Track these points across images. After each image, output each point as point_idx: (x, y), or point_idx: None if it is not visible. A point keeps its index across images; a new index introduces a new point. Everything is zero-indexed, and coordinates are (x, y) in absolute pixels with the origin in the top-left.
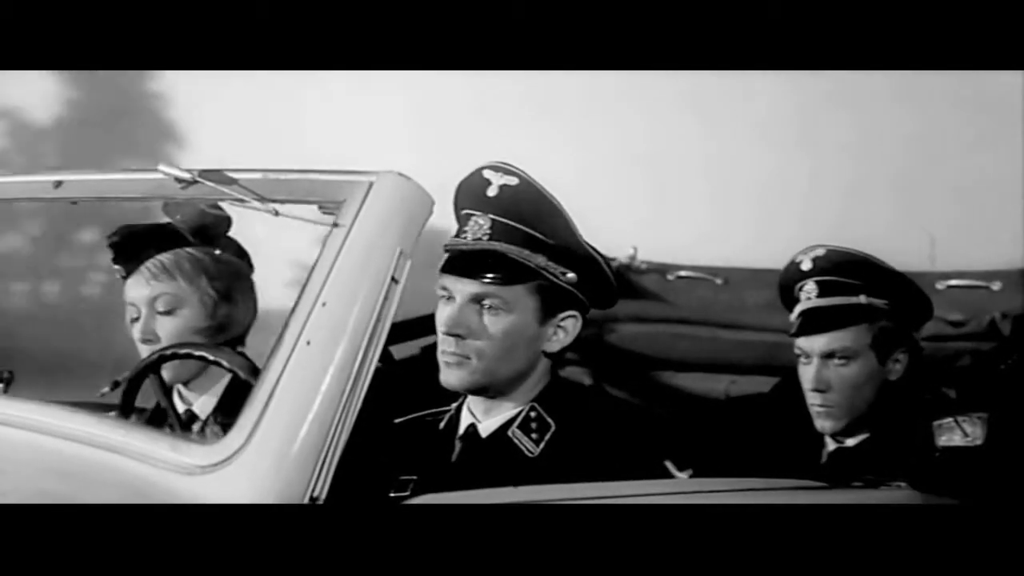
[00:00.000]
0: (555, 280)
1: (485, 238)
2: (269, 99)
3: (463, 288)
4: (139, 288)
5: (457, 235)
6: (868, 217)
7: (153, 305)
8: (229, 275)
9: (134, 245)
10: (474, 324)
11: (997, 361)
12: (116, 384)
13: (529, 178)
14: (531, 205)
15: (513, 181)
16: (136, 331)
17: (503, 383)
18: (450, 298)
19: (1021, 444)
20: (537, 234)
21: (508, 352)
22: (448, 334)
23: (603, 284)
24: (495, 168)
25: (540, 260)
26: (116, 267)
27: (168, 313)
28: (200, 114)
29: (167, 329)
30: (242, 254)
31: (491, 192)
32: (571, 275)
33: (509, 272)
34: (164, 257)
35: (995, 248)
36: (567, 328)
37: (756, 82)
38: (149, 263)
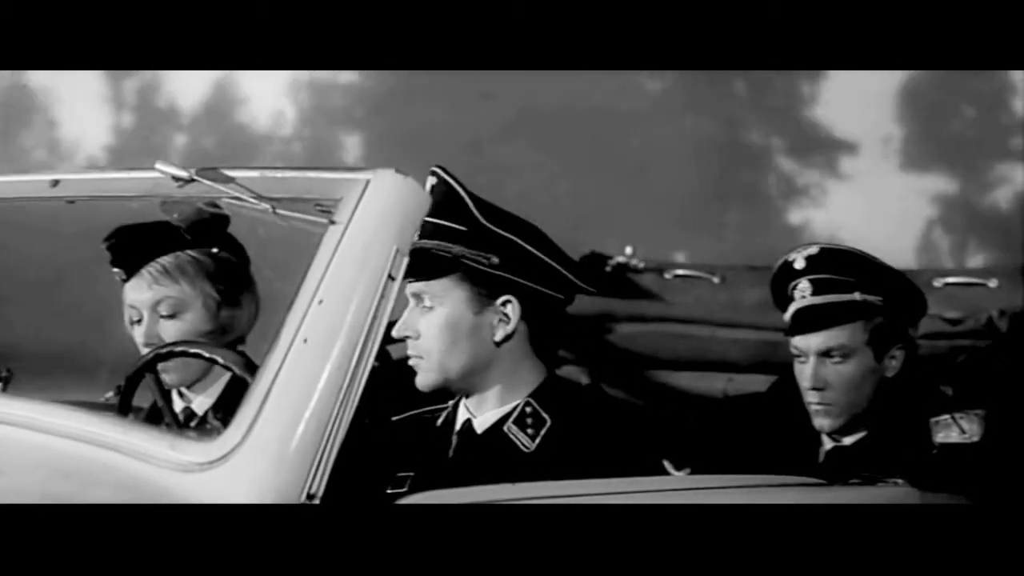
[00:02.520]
0: (480, 266)
1: (416, 238)
2: (268, 99)
3: (408, 291)
4: (141, 291)
5: None
6: (867, 216)
7: (156, 309)
8: (231, 277)
9: (133, 247)
10: (418, 324)
11: (994, 358)
12: (120, 389)
13: (443, 173)
14: (445, 199)
15: (434, 180)
16: (139, 335)
17: (460, 378)
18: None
19: (1018, 441)
20: (451, 224)
21: (451, 346)
22: (401, 338)
23: (534, 263)
24: (430, 173)
25: (457, 249)
26: (115, 270)
27: (171, 317)
28: (198, 113)
29: (170, 333)
30: (238, 250)
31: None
32: (496, 259)
33: (431, 266)
34: (166, 260)
35: (993, 245)
36: (508, 313)
37: (756, 81)
38: (150, 266)
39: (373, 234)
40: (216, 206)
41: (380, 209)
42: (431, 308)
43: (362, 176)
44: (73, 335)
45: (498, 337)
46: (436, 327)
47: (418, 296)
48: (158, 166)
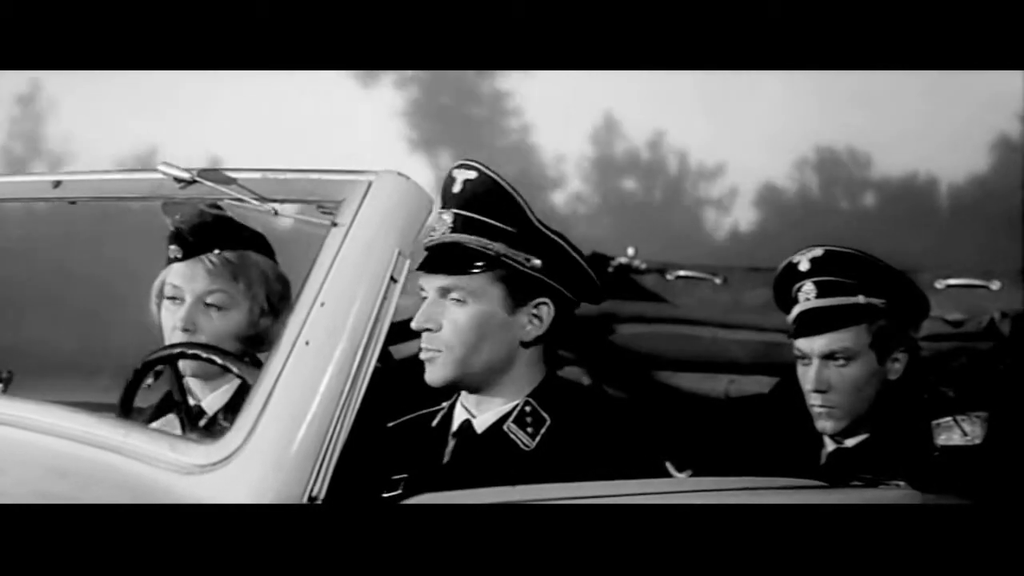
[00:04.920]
0: (519, 267)
1: (448, 231)
2: (270, 99)
3: (432, 283)
4: (195, 276)
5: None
6: (868, 216)
7: (204, 298)
8: (282, 291)
9: (202, 232)
10: (442, 317)
11: (996, 360)
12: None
13: (487, 170)
14: (487, 195)
15: (472, 175)
16: (175, 316)
17: (480, 375)
18: (425, 295)
19: (1020, 443)
20: (495, 223)
21: (478, 342)
22: (420, 330)
23: (574, 269)
24: (460, 165)
25: (499, 247)
26: (172, 247)
27: (217, 310)
28: (202, 113)
29: (211, 325)
30: (270, 254)
31: (455, 188)
32: (536, 261)
33: (469, 262)
34: (232, 256)
35: (995, 247)
36: (542, 315)
37: (756, 82)
38: (213, 256)
39: (375, 236)
40: (218, 208)
41: (382, 211)
42: (462, 303)
43: (364, 178)
44: (75, 337)
45: (528, 338)
46: (465, 323)
47: (445, 290)
48: (160, 167)
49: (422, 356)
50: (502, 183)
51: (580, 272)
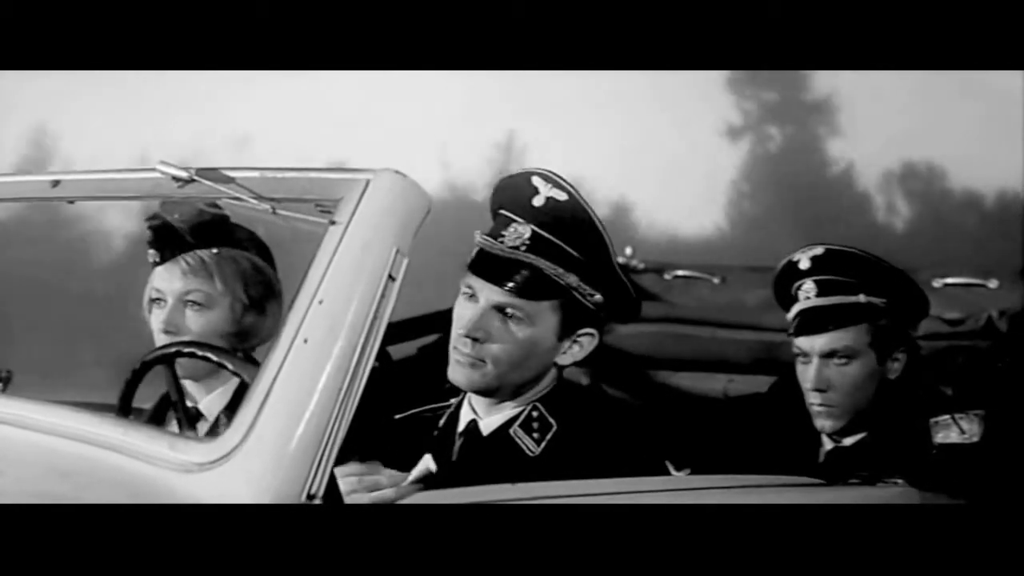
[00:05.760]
0: (582, 300)
1: (523, 248)
2: (269, 99)
3: (489, 293)
4: (172, 279)
5: (492, 235)
6: (866, 216)
7: (183, 299)
8: (264, 286)
9: (175, 233)
10: (494, 330)
11: (994, 359)
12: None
13: (577, 194)
14: (574, 222)
15: (562, 196)
16: (158, 319)
17: (511, 388)
18: (473, 297)
19: (1018, 441)
20: (574, 252)
21: (523, 362)
22: (466, 336)
23: (627, 306)
24: (545, 177)
25: (572, 279)
26: (151, 251)
27: (197, 309)
28: (199, 114)
29: (192, 325)
30: (270, 258)
31: (537, 202)
32: (598, 297)
33: (539, 287)
34: (205, 254)
35: (993, 246)
36: (583, 344)
37: (757, 81)
38: (188, 256)
39: (373, 234)
40: (216, 206)
41: (380, 209)
42: (520, 322)
43: (362, 176)
44: (75, 336)
45: (565, 363)
46: (518, 343)
47: (503, 305)
48: (159, 166)
49: (457, 358)
50: (592, 213)
51: (632, 308)
